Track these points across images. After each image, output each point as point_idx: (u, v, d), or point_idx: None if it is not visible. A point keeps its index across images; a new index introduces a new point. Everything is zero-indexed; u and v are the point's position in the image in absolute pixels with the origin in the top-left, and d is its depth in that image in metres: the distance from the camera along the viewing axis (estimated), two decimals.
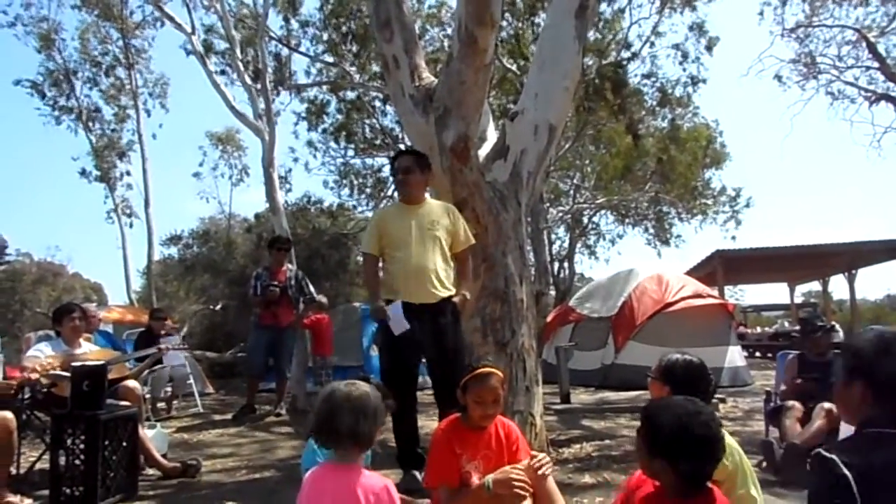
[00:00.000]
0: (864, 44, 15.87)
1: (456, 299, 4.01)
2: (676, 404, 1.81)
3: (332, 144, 17.79)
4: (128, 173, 19.02)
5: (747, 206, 20.57)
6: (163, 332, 7.19)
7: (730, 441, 2.26)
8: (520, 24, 14.53)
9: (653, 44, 15.39)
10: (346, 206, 19.04)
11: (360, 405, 2.04)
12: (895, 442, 1.45)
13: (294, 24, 14.98)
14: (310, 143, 17.62)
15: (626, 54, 15.20)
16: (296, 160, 18.11)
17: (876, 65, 16.05)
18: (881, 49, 15.79)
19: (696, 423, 1.72)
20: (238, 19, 13.74)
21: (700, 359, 2.49)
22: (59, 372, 4.08)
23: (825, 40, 16.69)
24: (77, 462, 3.62)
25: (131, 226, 18.73)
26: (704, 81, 15.55)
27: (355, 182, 18.65)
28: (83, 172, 18.54)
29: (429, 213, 4.07)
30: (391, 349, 3.91)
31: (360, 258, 22.25)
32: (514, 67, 14.11)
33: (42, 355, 4.28)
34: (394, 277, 3.97)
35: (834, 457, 1.42)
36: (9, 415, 3.69)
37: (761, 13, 15.93)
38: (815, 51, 16.86)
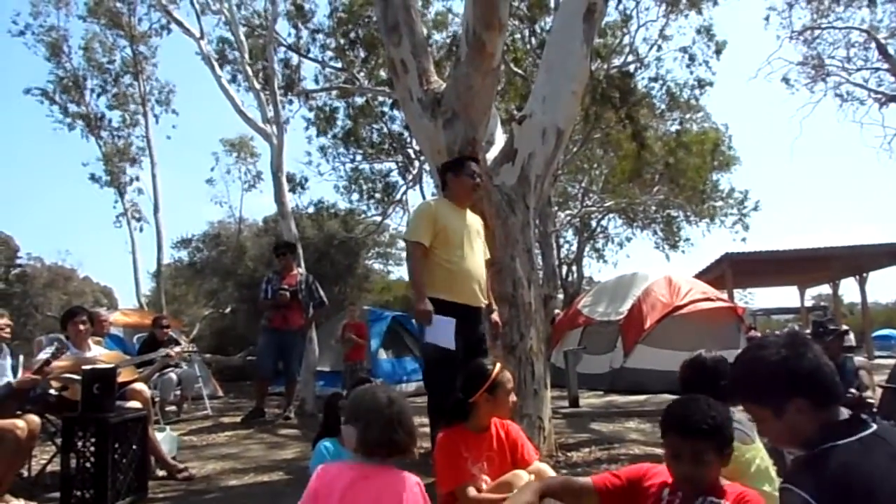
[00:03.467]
0: (872, 45, 15.78)
1: (494, 315, 4.01)
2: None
3: (342, 150, 17.88)
4: (137, 178, 19.14)
5: (755, 209, 20.50)
6: (165, 339, 7.21)
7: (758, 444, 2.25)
8: (520, 27, 14.58)
9: (660, 47, 15.40)
10: (356, 210, 19.11)
11: (406, 414, 2.04)
12: (850, 453, 1.39)
13: (304, 32, 15.10)
14: (321, 149, 17.75)
15: (632, 58, 15.22)
16: (309, 163, 18.20)
17: (886, 66, 15.94)
18: (891, 50, 15.69)
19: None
20: (249, 27, 13.86)
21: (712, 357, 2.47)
22: (69, 374, 4.12)
23: (833, 42, 16.62)
24: (87, 465, 3.64)
25: (141, 230, 18.81)
26: (711, 84, 15.54)
27: (364, 187, 18.70)
28: (93, 178, 18.67)
29: (473, 219, 4.01)
30: (449, 373, 3.18)
31: (369, 262, 22.43)
32: (520, 71, 14.13)
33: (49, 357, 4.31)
34: (452, 276, 3.72)
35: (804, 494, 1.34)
36: (35, 419, 3.75)
37: (767, 18, 15.88)
38: (823, 53, 16.79)
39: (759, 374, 1.56)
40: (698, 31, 14.95)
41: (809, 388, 1.50)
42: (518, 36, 14.77)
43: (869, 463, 1.38)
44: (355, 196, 18.76)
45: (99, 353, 4.71)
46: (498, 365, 2.73)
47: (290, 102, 15.61)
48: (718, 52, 14.98)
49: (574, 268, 23.66)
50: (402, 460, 2.06)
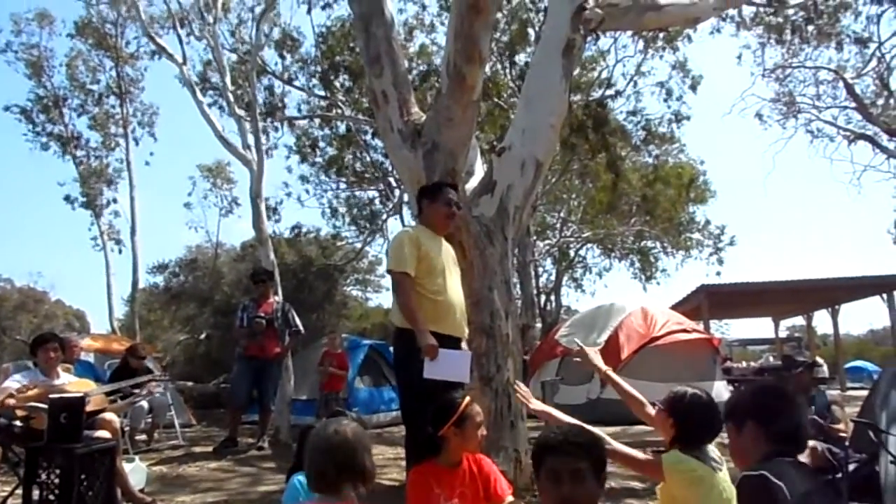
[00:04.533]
0: (840, 84, 16.28)
1: (462, 344, 3.76)
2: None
3: (323, 177, 17.94)
4: (115, 200, 18.95)
5: (731, 244, 20.84)
6: (140, 368, 7.05)
7: (712, 476, 2.28)
8: (500, 63, 14.86)
9: (636, 83, 15.77)
10: (339, 235, 19.09)
11: (349, 447, 2.01)
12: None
13: (288, 59, 15.24)
14: (302, 178, 17.79)
15: (609, 92, 15.57)
16: (288, 195, 18.23)
17: (853, 105, 16.44)
18: (857, 89, 16.22)
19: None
20: (234, 52, 13.94)
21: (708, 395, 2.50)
22: (35, 404, 4.01)
23: (803, 80, 17.13)
24: (51, 497, 3.54)
25: (121, 252, 18.60)
26: (688, 118, 15.94)
27: (346, 214, 18.74)
28: (68, 199, 18.43)
29: (449, 248, 3.88)
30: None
31: (347, 289, 22.32)
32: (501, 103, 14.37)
33: (18, 386, 4.21)
34: (437, 307, 3.55)
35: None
36: None
37: (739, 56, 16.35)
38: (794, 90, 17.28)
39: None
40: (674, 67, 15.37)
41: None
42: (499, 67, 15.03)
43: None
44: (337, 222, 18.83)
45: (68, 381, 4.60)
46: (467, 398, 2.71)
47: (276, 129, 15.69)
48: (694, 86, 15.41)
49: (552, 297, 23.74)
50: (366, 495, 2.05)
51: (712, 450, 2.41)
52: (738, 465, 2.08)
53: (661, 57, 15.31)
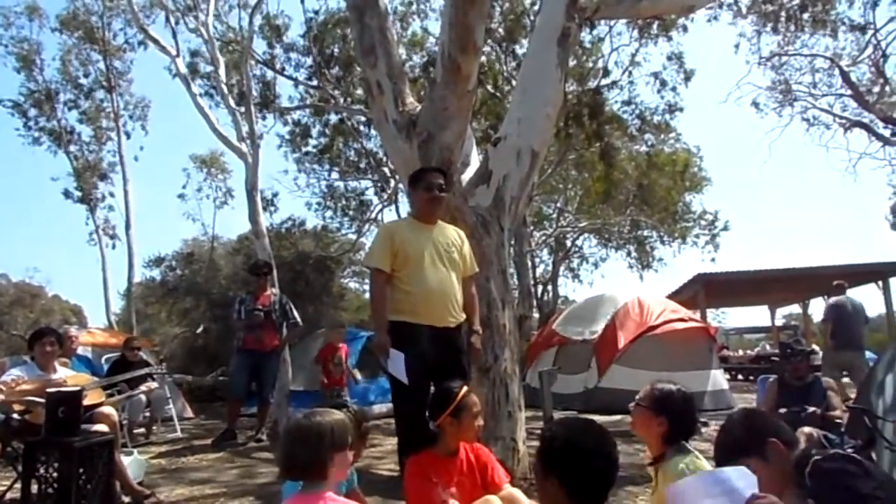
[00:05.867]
0: (836, 72, 16.28)
1: (474, 339, 3.76)
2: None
3: (316, 167, 17.87)
4: (111, 194, 18.88)
5: (725, 229, 20.88)
6: (136, 361, 7.08)
7: (706, 466, 2.28)
8: (499, 51, 14.81)
9: (630, 72, 15.74)
10: (329, 227, 19.05)
11: (306, 434, 2.01)
12: None
13: (278, 50, 15.13)
14: (295, 164, 17.73)
15: (605, 81, 15.53)
16: (281, 180, 18.19)
17: (849, 92, 16.44)
18: (853, 77, 16.21)
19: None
20: (224, 42, 13.82)
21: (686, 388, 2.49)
22: (33, 398, 4.01)
23: (799, 68, 17.12)
24: (50, 491, 3.54)
25: (114, 247, 18.55)
26: (682, 110, 15.95)
27: (339, 205, 18.69)
28: (67, 193, 18.38)
29: (443, 234, 3.79)
30: (411, 403, 3.32)
31: (345, 281, 22.30)
32: (496, 93, 14.33)
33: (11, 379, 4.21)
34: (412, 298, 3.56)
35: None
36: None
37: (737, 45, 16.31)
38: (790, 78, 17.27)
39: None
40: (669, 58, 15.33)
41: None
42: (494, 57, 14.97)
43: None
44: (329, 213, 18.79)
45: (65, 375, 4.60)
46: (465, 388, 2.72)
47: (264, 118, 15.61)
48: (687, 79, 15.39)
49: (549, 287, 23.79)
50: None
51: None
52: None
53: (655, 44, 15.25)
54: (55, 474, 3.54)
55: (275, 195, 17.63)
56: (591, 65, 15.60)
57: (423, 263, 3.58)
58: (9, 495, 4.21)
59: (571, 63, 13.84)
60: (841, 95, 17.00)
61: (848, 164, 20.57)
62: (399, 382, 3.42)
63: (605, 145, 14.35)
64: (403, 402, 3.49)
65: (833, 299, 8.36)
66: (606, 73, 15.58)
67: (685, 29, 14.75)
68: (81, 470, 3.65)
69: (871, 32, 15.05)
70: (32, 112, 17.86)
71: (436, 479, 2.58)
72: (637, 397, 2.49)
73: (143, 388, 6.53)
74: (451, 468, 2.64)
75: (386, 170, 17.06)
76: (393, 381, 3.52)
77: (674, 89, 15.48)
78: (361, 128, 16.53)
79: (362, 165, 17.80)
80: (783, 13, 14.43)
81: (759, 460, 1.90)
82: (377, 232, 4.01)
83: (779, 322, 26.92)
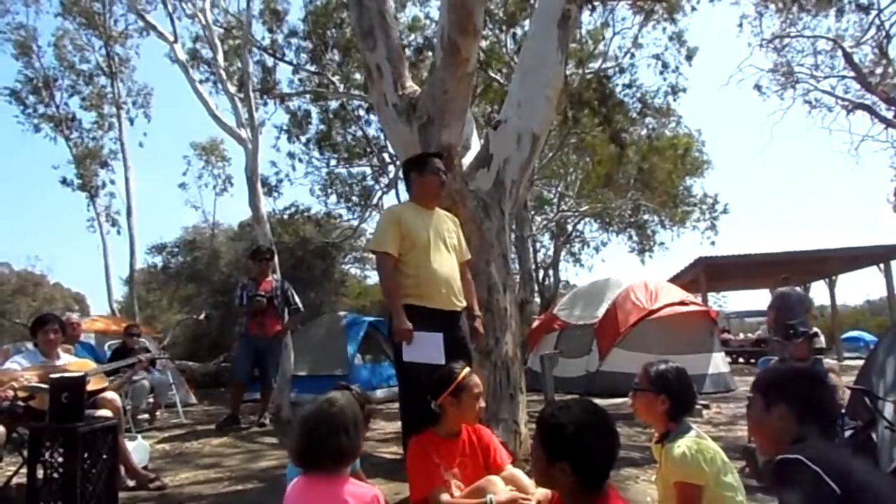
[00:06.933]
0: (839, 53, 16.14)
1: (477, 324, 3.78)
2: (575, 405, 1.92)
3: (316, 154, 17.81)
4: (112, 182, 18.84)
5: (724, 212, 20.82)
6: (136, 347, 7.10)
7: (711, 445, 2.29)
8: (500, 33, 14.68)
9: (633, 55, 15.61)
10: (332, 213, 19.03)
11: (339, 423, 1.97)
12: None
13: (279, 36, 15.04)
14: (292, 155, 17.64)
15: (610, 64, 15.40)
16: (281, 168, 18.09)
17: (852, 74, 16.32)
18: (856, 59, 16.07)
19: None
20: (224, 28, 13.73)
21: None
22: (37, 384, 4.03)
23: (801, 50, 16.98)
24: (55, 476, 3.56)
25: (118, 232, 18.53)
26: (684, 91, 15.81)
27: (340, 191, 18.65)
28: (65, 181, 18.32)
29: (442, 220, 3.80)
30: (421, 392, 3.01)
31: (346, 267, 22.31)
32: (497, 76, 14.23)
33: (18, 368, 4.23)
34: (419, 282, 3.54)
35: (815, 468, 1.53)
36: (0, 429, 3.65)
37: (740, 25, 16.16)
38: (792, 60, 17.13)
39: None
40: (670, 38, 15.20)
41: None
42: (494, 40, 14.85)
43: None
44: (332, 199, 18.76)
45: (68, 362, 4.61)
46: (466, 369, 2.73)
47: (265, 104, 15.54)
48: (689, 57, 15.25)
49: (550, 272, 23.79)
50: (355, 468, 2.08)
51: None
52: (760, 442, 2.09)
53: (663, 29, 15.09)
54: (60, 459, 3.56)
55: (279, 181, 17.58)
56: (594, 49, 15.47)
57: (430, 248, 3.58)
58: (15, 480, 4.24)
59: (578, 47, 13.79)
60: (843, 77, 16.87)
61: (850, 146, 20.44)
62: (409, 366, 3.34)
63: (614, 129, 14.24)
64: (419, 389, 3.30)
65: (779, 289, 8.91)
66: (615, 57, 15.49)
67: (693, 9, 14.57)
68: (86, 455, 3.67)
69: (874, 13, 14.91)
70: (31, 99, 17.79)
71: (438, 459, 2.59)
72: (634, 382, 2.52)
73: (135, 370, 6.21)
74: (454, 449, 2.66)
75: (385, 155, 17.01)
76: (401, 366, 3.45)
77: (676, 70, 15.36)
78: (360, 113, 16.45)
79: (361, 151, 17.73)
80: None
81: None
82: (381, 216, 3.94)
83: None
